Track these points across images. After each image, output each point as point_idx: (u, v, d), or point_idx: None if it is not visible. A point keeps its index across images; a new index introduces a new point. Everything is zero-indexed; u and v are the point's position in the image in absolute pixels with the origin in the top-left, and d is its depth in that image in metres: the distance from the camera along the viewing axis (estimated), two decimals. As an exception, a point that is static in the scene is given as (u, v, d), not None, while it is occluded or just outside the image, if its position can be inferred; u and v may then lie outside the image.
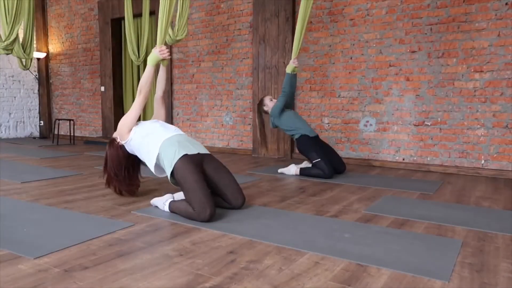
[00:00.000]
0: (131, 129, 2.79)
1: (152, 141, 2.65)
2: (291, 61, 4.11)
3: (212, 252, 1.92)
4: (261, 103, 4.36)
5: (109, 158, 2.87)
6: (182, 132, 2.81)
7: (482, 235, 2.24)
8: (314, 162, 3.95)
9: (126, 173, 2.87)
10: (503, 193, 3.40)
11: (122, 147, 2.85)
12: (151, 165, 2.67)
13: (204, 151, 2.70)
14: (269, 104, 4.29)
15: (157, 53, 2.84)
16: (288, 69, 4.12)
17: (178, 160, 2.48)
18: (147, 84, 2.80)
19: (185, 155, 2.52)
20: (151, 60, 2.84)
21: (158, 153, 2.59)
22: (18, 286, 1.54)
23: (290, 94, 4.20)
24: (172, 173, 2.53)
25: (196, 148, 2.65)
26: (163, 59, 2.92)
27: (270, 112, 4.23)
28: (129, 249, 1.95)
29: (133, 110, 2.81)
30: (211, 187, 2.63)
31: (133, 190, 2.96)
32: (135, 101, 2.83)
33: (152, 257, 1.86)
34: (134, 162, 2.92)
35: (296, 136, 4.10)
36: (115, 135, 2.94)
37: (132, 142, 2.76)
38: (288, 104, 4.27)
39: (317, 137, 4.17)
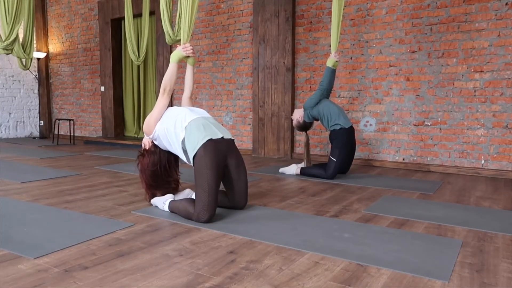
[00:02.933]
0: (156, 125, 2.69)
1: (179, 124, 2.55)
2: (332, 55, 3.98)
3: (212, 252, 1.92)
4: (299, 126, 4.23)
5: (142, 167, 2.73)
6: (209, 115, 2.71)
7: (482, 235, 2.24)
8: (330, 158, 3.89)
9: (163, 171, 2.72)
10: (503, 193, 3.40)
11: (153, 148, 2.74)
12: (179, 150, 2.57)
13: (228, 136, 2.61)
14: (295, 115, 4.20)
15: (180, 49, 2.79)
16: (329, 63, 3.98)
17: (201, 146, 2.41)
18: (170, 81, 2.70)
19: (210, 141, 2.44)
20: (173, 56, 2.77)
21: (184, 137, 2.50)
22: (18, 286, 1.54)
23: (327, 91, 4.06)
24: (193, 157, 2.46)
25: (221, 131, 2.56)
26: (187, 56, 2.85)
27: (304, 105, 4.09)
28: (129, 249, 1.95)
29: (157, 110, 2.68)
30: (223, 180, 2.61)
31: (172, 192, 2.78)
32: (158, 99, 2.71)
33: (152, 257, 1.86)
34: (168, 159, 2.77)
35: (336, 128, 3.92)
36: (144, 142, 2.83)
37: (159, 131, 2.64)
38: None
39: (351, 128, 4.00)
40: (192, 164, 2.49)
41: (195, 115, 2.60)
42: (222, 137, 2.53)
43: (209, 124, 2.56)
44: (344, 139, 3.91)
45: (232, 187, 2.62)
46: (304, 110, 4.09)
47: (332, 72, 4.01)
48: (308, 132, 4.32)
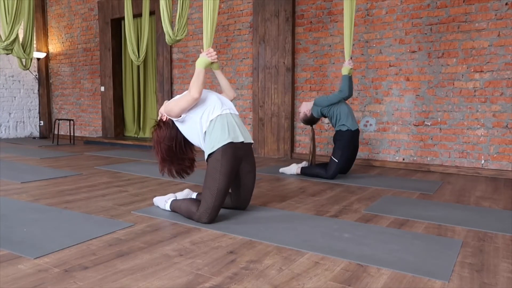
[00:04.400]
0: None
1: (206, 115, 2.47)
2: (346, 63, 3.94)
3: (212, 252, 1.92)
4: (305, 119, 4.18)
5: (158, 139, 2.61)
6: (236, 112, 2.63)
7: (482, 235, 2.24)
8: (332, 158, 3.89)
9: (179, 148, 2.63)
10: (503, 193, 3.40)
11: (170, 122, 2.62)
12: (197, 140, 2.53)
13: (249, 140, 2.57)
14: (303, 107, 4.15)
15: (205, 56, 2.67)
16: (345, 71, 3.92)
17: (220, 148, 2.38)
18: (193, 85, 2.46)
19: (230, 144, 2.41)
20: (199, 63, 2.61)
21: (206, 130, 2.46)
22: (18, 286, 1.54)
23: (347, 98, 4.01)
24: (209, 155, 2.43)
25: (243, 135, 2.52)
26: (212, 62, 2.72)
27: (316, 101, 4.02)
28: (129, 249, 1.95)
29: (185, 104, 2.47)
30: (233, 181, 2.59)
31: (185, 169, 2.69)
32: (187, 96, 2.47)
33: (152, 257, 1.86)
34: (185, 137, 2.68)
35: (342, 129, 3.91)
36: (161, 112, 2.67)
37: (188, 116, 2.52)
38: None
39: (357, 130, 3.99)
40: (205, 159, 2.47)
41: (224, 109, 2.51)
42: (243, 142, 2.50)
43: (234, 124, 2.50)
44: (348, 141, 3.91)
45: (238, 190, 2.62)
46: (315, 105, 4.05)
47: (350, 79, 3.97)
48: (314, 126, 4.29)
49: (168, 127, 2.61)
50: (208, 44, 2.92)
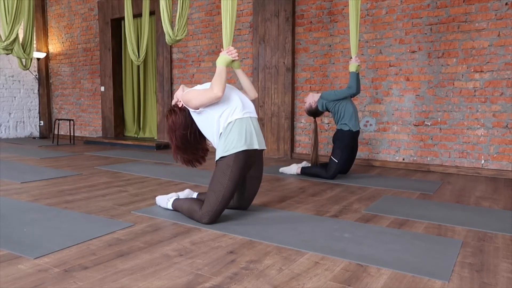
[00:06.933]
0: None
1: (225, 116, 2.42)
2: (353, 60, 3.93)
3: (212, 252, 1.92)
4: (310, 110, 4.14)
5: (173, 127, 2.55)
6: (255, 115, 2.56)
7: (482, 235, 2.24)
8: (332, 159, 3.89)
9: (193, 138, 2.58)
10: (503, 193, 3.40)
11: (186, 109, 2.56)
12: (211, 136, 2.49)
13: (263, 146, 2.53)
14: (309, 98, 4.11)
15: (225, 54, 2.58)
16: (353, 68, 3.92)
17: (233, 154, 2.35)
18: (217, 83, 2.39)
19: (244, 152, 2.38)
20: (220, 61, 2.54)
21: (222, 132, 2.43)
22: (18, 286, 1.54)
23: (355, 95, 4.01)
24: (220, 157, 2.40)
25: (258, 141, 2.47)
26: (233, 61, 2.63)
27: (323, 94, 4.00)
28: (129, 249, 1.95)
29: (205, 99, 2.40)
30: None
31: (198, 159, 2.66)
32: (208, 91, 2.40)
33: (152, 257, 1.86)
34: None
35: (344, 128, 3.92)
36: (177, 97, 2.61)
37: (207, 111, 2.46)
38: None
39: (357, 131, 4.00)
40: (215, 159, 2.44)
41: (244, 112, 2.45)
42: (256, 150, 2.47)
43: (252, 130, 2.45)
44: (347, 141, 3.91)
45: (242, 193, 2.63)
46: (321, 98, 4.02)
47: (358, 76, 3.96)
48: (316, 119, 4.25)
49: (183, 115, 2.54)
50: (228, 42, 2.83)
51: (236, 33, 5.95)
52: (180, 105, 2.57)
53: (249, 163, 2.45)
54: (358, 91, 3.97)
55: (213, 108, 2.44)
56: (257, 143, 2.46)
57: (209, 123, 2.48)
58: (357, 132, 4.00)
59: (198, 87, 2.57)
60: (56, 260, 1.80)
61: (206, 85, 2.57)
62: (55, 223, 2.36)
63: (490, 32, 4.20)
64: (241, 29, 5.91)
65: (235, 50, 2.63)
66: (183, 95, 2.53)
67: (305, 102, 4.19)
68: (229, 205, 2.64)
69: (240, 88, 2.82)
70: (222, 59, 2.56)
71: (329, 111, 4.06)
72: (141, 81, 7.56)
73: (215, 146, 2.52)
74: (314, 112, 4.16)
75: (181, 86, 2.62)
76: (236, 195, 2.64)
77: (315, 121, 4.25)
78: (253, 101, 2.77)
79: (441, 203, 3.01)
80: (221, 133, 2.44)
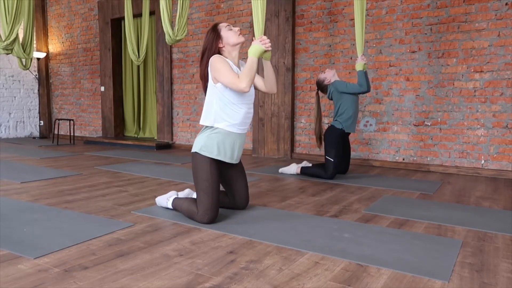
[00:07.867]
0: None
1: (225, 114, 2.40)
2: (359, 58, 3.92)
3: (212, 252, 1.92)
4: (321, 83, 4.08)
5: (206, 45, 2.51)
6: (246, 131, 2.55)
7: (482, 235, 2.24)
8: (327, 158, 3.89)
9: None
10: (503, 193, 3.40)
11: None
12: (207, 109, 2.45)
13: (237, 161, 2.56)
14: (329, 74, 4.05)
15: (258, 43, 2.48)
16: (360, 67, 3.89)
17: (208, 158, 2.38)
18: (246, 77, 2.33)
19: (218, 161, 2.43)
20: (253, 52, 2.45)
21: (212, 124, 2.41)
22: (18, 286, 1.54)
23: (364, 93, 3.98)
24: (195, 152, 2.43)
25: (235, 157, 2.50)
26: (266, 51, 2.53)
27: (336, 82, 3.96)
28: (129, 249, 1.95)
29: (229, 85, 2.35)
30: (223, 184, 2.62)
31: None
32: (237, 82, 2.33)
33: (152, 257, 1.86)
34: None
35: (337, 125, 3.92)
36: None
37: (217, 90, 2.42)
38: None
39: (349, 133, 4.03)
40: (192, 148, 2.45)
41: (238, 129, 2.44)
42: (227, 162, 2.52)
43: (234, 147, 2.46)
44: (338, 139, 3.93)
45: (231, 188, 2.63)
46: (332, 84, 4.00)
47: (366, 74, 3.92)
48: (319, 92, 4.17)
49: (218, 43, 2.55)
50: (261, 31, 2.78)
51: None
52: (222, 44, 2.58)
53: (219, 168, 2.48)
54: (368, 89, 3.95)
55: (226, 93, 2.39)
56: (233, 160, 2.50)
57: (213, 98, 2.43)
58: (348, 133, 4.03)
59: (229, 68, 2.43)
60: (56, 260, 1.80)
61: (235, 68, 2.49)
62: (55, 223, 2.36)
63: (490, 32, 4.20)
64: (241, 29, 5.91)
65: (268, 40, 2.51)
66: (213, 58, 2.42)
67: (323, 73, 4.13)
68: (227, 204, 2.66)
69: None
70: (255, 49, 2.46)
71: (330, 99, 4.06)
72: (141, 81, 7.56)
73: (203, 111, 2.47)
74: (322, 87, 4.12)
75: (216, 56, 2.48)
76: (229, 198, 2.65)
77: (317, 93, 4.18)
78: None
79: (441, 203, 3.01)
80: (207, 127, 2.44)
